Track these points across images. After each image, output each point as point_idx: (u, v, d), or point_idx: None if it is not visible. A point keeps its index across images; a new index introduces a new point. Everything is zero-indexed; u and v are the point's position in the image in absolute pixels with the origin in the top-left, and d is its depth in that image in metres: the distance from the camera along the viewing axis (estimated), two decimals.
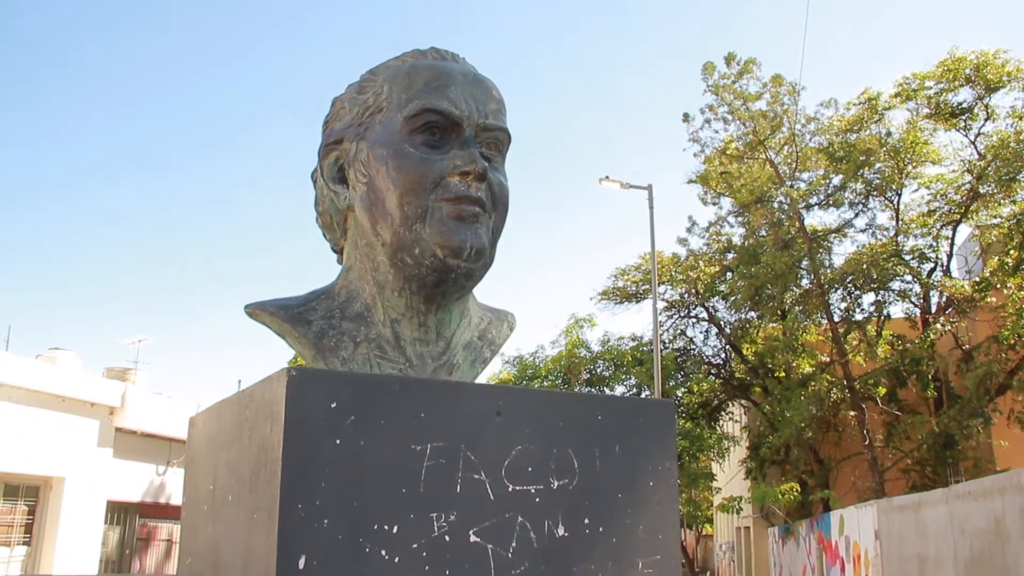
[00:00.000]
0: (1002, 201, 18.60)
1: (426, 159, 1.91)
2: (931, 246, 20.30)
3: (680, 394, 23.89)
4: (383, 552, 1.53)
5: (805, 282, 20.59)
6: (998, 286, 17.91)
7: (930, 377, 19.35)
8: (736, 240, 22.86)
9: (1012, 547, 6.39)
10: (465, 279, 1.95)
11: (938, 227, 20.11)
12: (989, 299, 18.04)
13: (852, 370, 19.34)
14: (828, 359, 20.77)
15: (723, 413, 25.69)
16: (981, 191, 18.50)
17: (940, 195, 19.98)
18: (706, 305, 24.00)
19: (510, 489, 1.68)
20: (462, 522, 1.61)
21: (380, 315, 1.98)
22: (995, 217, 19.03)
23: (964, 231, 21.26)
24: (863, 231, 21.57)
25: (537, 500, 1.71)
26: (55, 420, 14.94)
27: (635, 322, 70.63)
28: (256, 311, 2.04)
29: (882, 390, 20.31)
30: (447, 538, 1.59)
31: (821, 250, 20.46)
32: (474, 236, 1.90)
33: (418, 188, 1.89)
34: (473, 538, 1.62)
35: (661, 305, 23.08)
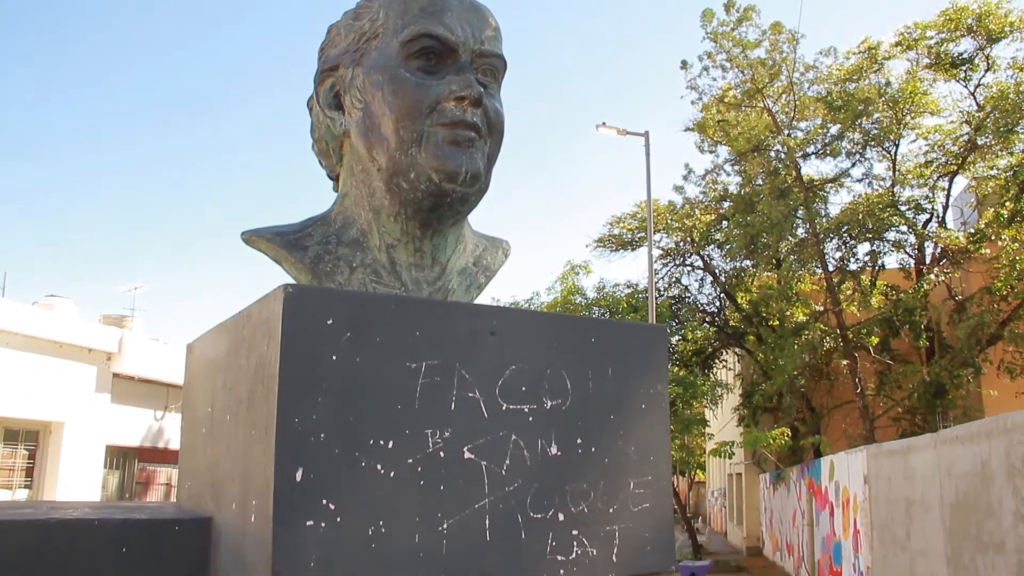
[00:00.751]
0: (1000, 153, 18.53)
1: (422, 84, 1.91)
2: (927, 197, 20.28)
3: (674, 341, 24.02)
4: (379, 466, 1.56)
5: (801, 231, 20.58)
6: (993, 237, 17.93)
7: (922, 327, 19.45)
8: (732, 188, 22.80)
9: (996, 488, 6.50)
10: (460, 204, 1.96)
11: (935, 178, 20.07)
12: (983, 250, 18.08)
13: (845, 319, 19.42)
14: (822, 308, 20.85)
15: (717, 361, 25.87)
16: (979, 142, 18.42)
17: (938, 146, 19.89)
18: (701, 253, 24.00)
19: (504, 408, 1.71)
20: (456, 439, 1.64)
21: (376, 240, 2.00)
22: (992, 169, 18.98)
23: (961, 182, 21.24)
24: (860, 181, 21.55)
25: (530, 419, 1.74)
26: (53, 366, 15.01)
27: (630, 269, 70.79)
28: (252, 237, 2.05)
29: (875, 339, 20.44)
30: (442, 454, 1.62)
31: (817, 199, 20.42)
32: (470, 161, 1.90)
33: (414, 112, 1.89)
34: (467, 455, 1.65)
35: (656, 253, 23.07)
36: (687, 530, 24.49)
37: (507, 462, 1.69)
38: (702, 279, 25.16)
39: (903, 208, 19.79)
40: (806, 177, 20.47)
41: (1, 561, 1.58)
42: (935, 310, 18.73)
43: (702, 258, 24.23)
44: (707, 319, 25.10)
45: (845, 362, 19.49)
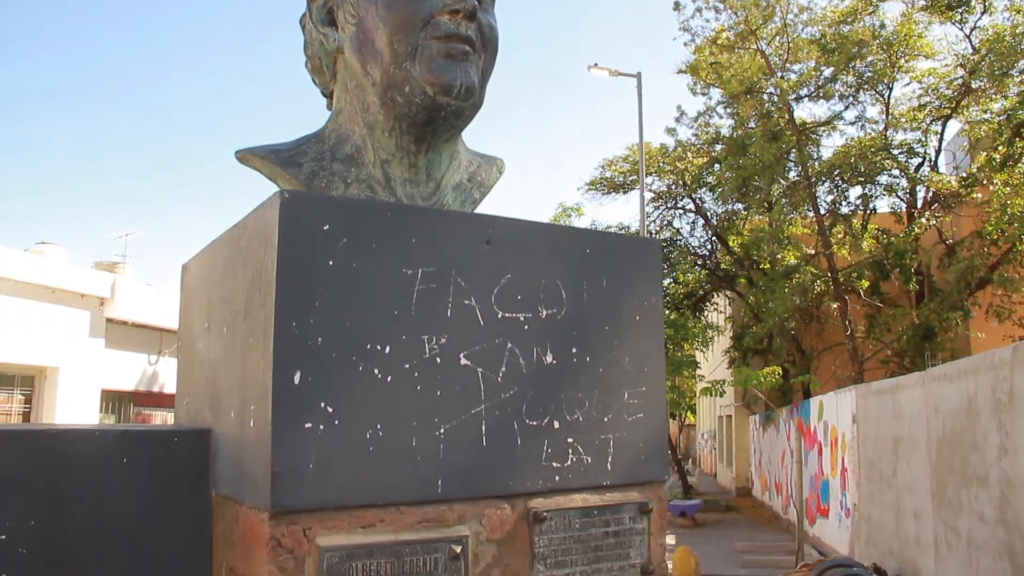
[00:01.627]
0: (994, 96, 18.39)
1: None
2: (920, 141, 20.15)
3: (666, 284, 24.08)
4: (376, 371, 1.58)
5: (793, 174, 20.51)
6: (984, 182, 17.86)
7: (913, 271, 19.50)
8: (724, 131, 22.65)
9: (981, 424, 6.59)
10: (455, 118, 1.95)
11: (928, 122, 19.92)
12: (975, 194, 18.04)
13: (836, 262, 19.46)
14: (813, 251, 20.89)
15: (708, 303, 25.98)
16: (973, 86, 18.28)
17: (931, 89, 19.73)
18: (693, 196, 23.95)
19: (499, 316, 1.72)
20: (453, 345, 1.66)
21: (370, 156, 1.99)
22: (985, 112, 18.84)
23: (954, 126, 21.12)
24: (852, 124, 21.44)
25: (526, 328, 1.76)
26: (46, 311, 15.00)
27: (622, 212, 70.37)
28: (246, 155, 2.05)
29: (865, 283, 20.51)
30: (438, 360, 1.64)
31: (809, 142, 20.32)
32: (464, 74, 1.89)
33: (408, 26, 1.87)
34: (464, 361, 1.67)
35: (648, 196, 23.03)
36: (678, 471, 24.83)
37: (503, 369, 1.72)
38: (694, 222, 25.15)
39: (895, 152, 19.69)
40: (799, 120, 20.32)
41: (5, 467, 1.60)
42: (925, 254, 18.77)
43: (694, 201, 24.18)
44: (698, 262, 25.13)
45: (835, 305, 19.58)
